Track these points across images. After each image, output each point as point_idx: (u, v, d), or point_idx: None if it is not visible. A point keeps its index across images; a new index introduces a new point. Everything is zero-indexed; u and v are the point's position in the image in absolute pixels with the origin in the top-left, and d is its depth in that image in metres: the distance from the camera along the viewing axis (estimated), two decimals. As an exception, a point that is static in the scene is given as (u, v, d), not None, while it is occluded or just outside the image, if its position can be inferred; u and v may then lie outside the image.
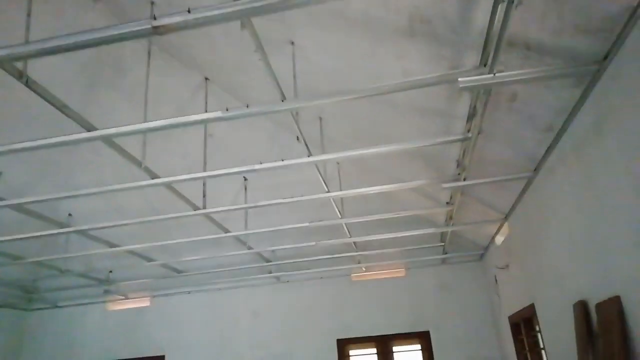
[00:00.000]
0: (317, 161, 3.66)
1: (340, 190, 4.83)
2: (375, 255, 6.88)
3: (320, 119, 4.73)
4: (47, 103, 2.82)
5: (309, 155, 3.77)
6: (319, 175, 4.38)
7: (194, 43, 4.44)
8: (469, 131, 3.36)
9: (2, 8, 3.59)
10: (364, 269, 7.28)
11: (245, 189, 5.96)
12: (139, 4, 3.97)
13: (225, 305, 7.70)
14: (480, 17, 2.51)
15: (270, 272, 7.28)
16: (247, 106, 2.85)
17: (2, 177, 5.40)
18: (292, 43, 3.65)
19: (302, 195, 4.38)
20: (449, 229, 5.63)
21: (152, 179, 3.81)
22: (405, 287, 7.28)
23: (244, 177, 5.99)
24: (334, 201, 4.91)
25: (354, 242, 6.38)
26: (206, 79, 4.94)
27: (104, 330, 7.99)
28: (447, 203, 5.04)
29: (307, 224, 5.11)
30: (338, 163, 5.68)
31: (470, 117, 3.30)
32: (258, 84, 4.60)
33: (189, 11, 2.10)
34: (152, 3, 3.89)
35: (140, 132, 2.96)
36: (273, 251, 7.00)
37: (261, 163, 3.61)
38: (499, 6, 2.16)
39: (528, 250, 4.53)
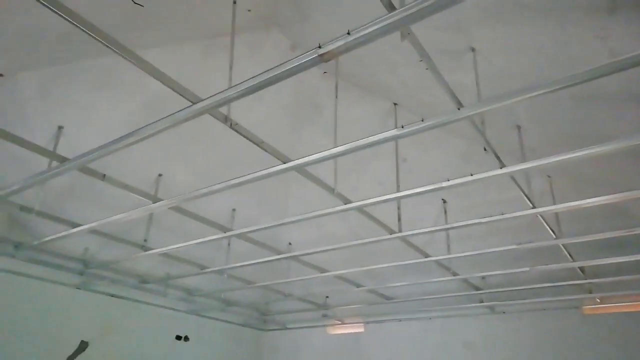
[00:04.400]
0: (512, 173, 3.29)
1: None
2: (612, 283, 5.71)
3: (519, 127, 4.28)
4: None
5: (501, 167, 3.42)
6: (520, 190, 3.93)
7: (378, 71, 4.58)
8: None
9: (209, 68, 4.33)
10: (598, 300, 6.12)
11: (445, 211, 5.75)
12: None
13: (436, 335, 7.41)
14: None
15: (482, 302, 6.74)
16: (422, 120, 2.76)
17: (235, 213, 6.41)
18: (473, 49, 3.44)
19: (502, 214, 3.97)
20: None
21: (345, 204, 3.99)
22: (660, 323, 5.83)
23: (442, 199, 5.80)
24: (542, 218, 4.31)
25: (580, 268, 5.45)
26: (395, 104, 5.02)
27: (325, 353, 8.54)
28: None
29: (514, 247, 4.60)
30: (549, 176, 5.01)
31: None
32: (444, 101, 4.46)
33: (348, 33, 2.18)
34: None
35: (324, 159, 3.15)
36: (483, 278, 6.50)
37: (448, 180, 3.43)
38: None
39: None
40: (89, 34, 2.34)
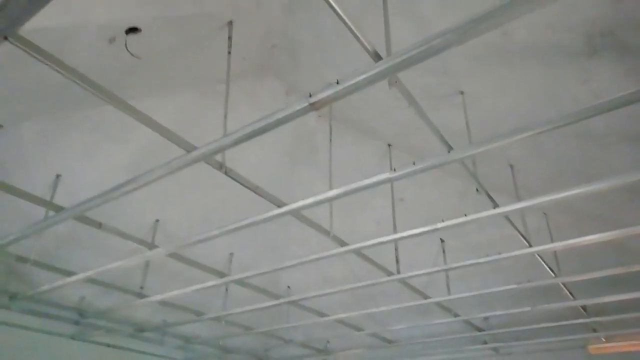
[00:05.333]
0: (506, 212, 3.30)
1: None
2: (616, 321, 5.61)
3: (512, 166, 4.33)
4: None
5: (495, 207, 3.44)
6: (515, 229, 3.93)
7: (371, 114, 4.68)
8: None
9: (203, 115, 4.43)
10: (603, 339, 5.99)
11: (444, 251, 5.71)
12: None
13: (441, 379, 7.21)
14: (679, 9, 2.04)
15: (485, 343, 6.60)
16: (414, 163, 2.81)
17: (233, 257, 6.36)
18: (462, 93, 3.53)
19: (499, 253, 3.96)
20: None
21: (341, 246, 3.98)
22: (670, 363, 5.69)
23: (440, 239, 5.78)
24: (540, 257, 4.29)
25: (582, 306, 5.37)
26: (389, 145, 5.09)
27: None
28: None
29: (514, 286, 4.55)
30: (545, 214, 5.02)
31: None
32: (436, 143, 4.53)
33: (337, 82, 2.25)
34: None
35: (319, 203, 3.17)
36: (485, 319, 6.38)
37: (443, 221, 3.44)
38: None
39: None
40: (86, 88, 2.41)
